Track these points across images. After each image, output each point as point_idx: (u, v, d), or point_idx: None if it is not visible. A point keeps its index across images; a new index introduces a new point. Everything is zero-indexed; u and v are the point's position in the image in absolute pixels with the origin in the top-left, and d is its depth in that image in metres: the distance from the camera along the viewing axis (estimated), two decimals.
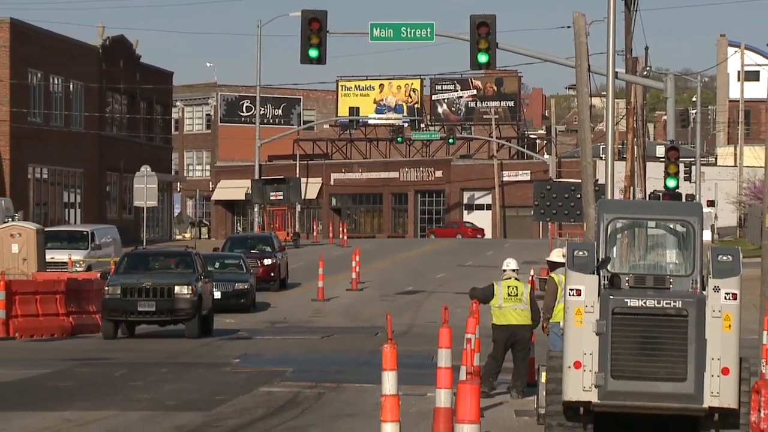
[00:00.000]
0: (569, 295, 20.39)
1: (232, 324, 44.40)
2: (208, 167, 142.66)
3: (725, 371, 19.95)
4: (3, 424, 22.80)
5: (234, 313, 46.91)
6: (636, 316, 20.12)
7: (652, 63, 73.08)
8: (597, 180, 44.45)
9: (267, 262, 57.86)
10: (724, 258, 20.44)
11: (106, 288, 39.34)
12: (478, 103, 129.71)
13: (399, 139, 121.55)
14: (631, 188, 60.91)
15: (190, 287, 38.99)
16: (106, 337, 38.62)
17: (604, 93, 45.34)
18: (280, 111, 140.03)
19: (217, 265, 50.55)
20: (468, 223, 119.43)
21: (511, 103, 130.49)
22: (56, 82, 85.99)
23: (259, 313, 49.50)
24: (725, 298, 20.03)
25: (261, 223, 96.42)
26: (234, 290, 48.47)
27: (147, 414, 24.30)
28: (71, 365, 33.08)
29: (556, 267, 25.66)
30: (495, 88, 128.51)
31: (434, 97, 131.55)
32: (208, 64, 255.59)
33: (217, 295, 45.63)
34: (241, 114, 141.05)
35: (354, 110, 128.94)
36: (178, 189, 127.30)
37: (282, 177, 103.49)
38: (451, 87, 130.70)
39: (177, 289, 38.88)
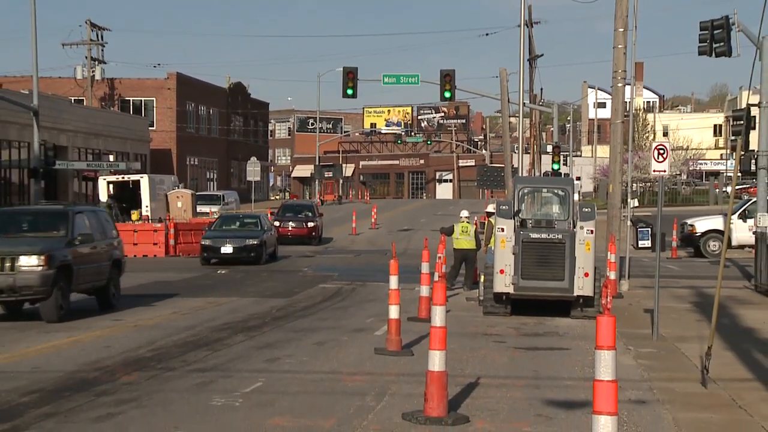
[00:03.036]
0: (498, 231, 20.44)
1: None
2: (289, 157, 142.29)
3: (586, 275, 19.98)
4: (174, 305, 22.87)
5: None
6: (535, 243, 20.14)
7: (545, 97, 72.57)
8: (513, 165, 44.25)
9: (311, 224, 46.41)
10: (586, 209, 20.48)
11: None
12: (445, 120, 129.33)
13: (399, 141, 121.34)
14: (533, 169, 60.74)
15: (42, 257, 18.59)
16: None
17: (518, 115, 45.11)
18: (330, 125, 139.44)
19: (237, 224, 37.49)
20: (296, 193, 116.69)
21: (463, 121, 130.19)
22: (202, 108, 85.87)
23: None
24: (587, 233, 20.04)
25: (320, 189, 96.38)
26: (244, 245, 34.80)
27: (254, 299, 24.34)
28: (211, 271, 33.15)
29: (491, 215, 25.67)
30: (455, 111, 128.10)
31: (419, 117, 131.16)
32: (289, 98, 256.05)
33: (230, 249, 34.66)
34: (308, 127, 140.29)
35: (373, 125, 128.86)
36: (272, 170, 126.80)
37: (332, 163, 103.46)
38: (429, 111, 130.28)
39: (23, 260, 18.51)
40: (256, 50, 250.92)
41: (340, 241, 49.03)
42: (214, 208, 58.21)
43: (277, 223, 44.06)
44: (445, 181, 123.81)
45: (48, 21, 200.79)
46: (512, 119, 70.53)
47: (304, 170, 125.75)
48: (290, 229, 45.49)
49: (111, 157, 63.21)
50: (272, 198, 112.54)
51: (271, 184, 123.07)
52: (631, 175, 33.22)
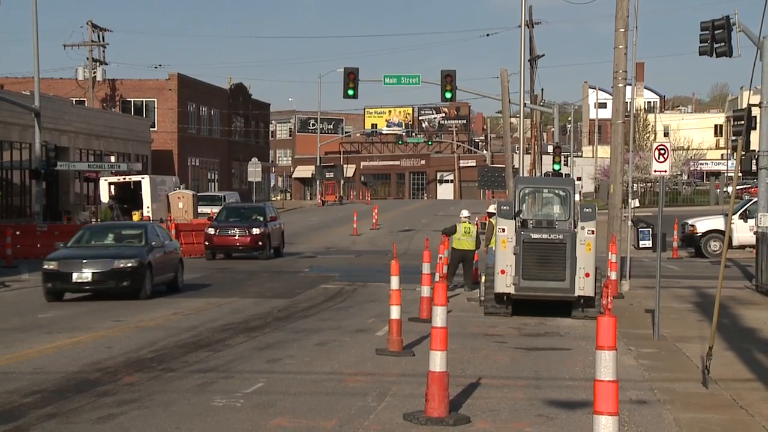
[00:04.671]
0: (499, 231, 20.42)
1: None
2: (290, 158, 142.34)
3: (587, 275, 19.97)
4: (175, 305, 22.86)
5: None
6: (536, 243, 20.12)
7: (546, 97, 72.65)
8: (514, 165, 44.24)
9: (255, 231, 37.04)
10: (587, 210, 20.46)
11: None
12: (445, 121, 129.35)
13: (400, 142, 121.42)
14: (534, 170, 60.73)
15: None
16: None
17: (518, 115, 45.12)
18: (331, 126, 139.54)
19: (110, 237, 25.08)
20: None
21: (464, 121, 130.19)
22: (203, 109, 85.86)
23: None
24: (587, 233, 20.02)
25: (321, 190, 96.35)
26: (111, 269, 22.90)
27: (255, 300, 24.34)
28: (212, 272, 33.11)
29: (492, 215, 25.67)
30: (455, 112, 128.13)
31: (420, 118, 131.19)
32: (290, 99, 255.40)
33: (87, 276, 22.80)
34: (309, 128, 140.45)
35: (374, 125, 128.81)
36: (273, 171, 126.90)
37: (333, 164, 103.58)
38: (430, 111, 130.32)
39: None
40: (257, 51, 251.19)
41: (341, 241, 49.02)
42: (215, 209, 58.27)
43: (212, 231, 37.43)
44: (446, 181, 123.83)
45: (49, 22, 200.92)
46: (513, 120, 70.66)
47: (305, 171, 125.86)
48: (229, 237, 37.30)
49: (112, 158, 63.24)
50: (273, 198, 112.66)
51: (272, 184, 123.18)
52: (632, 176, 33.22)
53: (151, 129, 75.57)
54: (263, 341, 17.17)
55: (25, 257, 36.56)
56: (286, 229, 42.58)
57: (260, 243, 37.39)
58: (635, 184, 51.31)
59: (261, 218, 38.35)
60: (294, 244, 45.59)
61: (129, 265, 23.32)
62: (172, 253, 26.05)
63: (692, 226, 39.85)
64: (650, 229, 39.44)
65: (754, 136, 29.88)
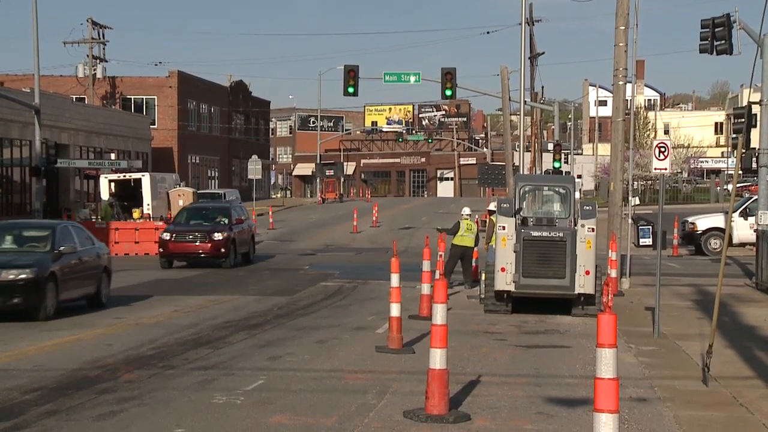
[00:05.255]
0: (499, 229, 20.43)
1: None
2: (290, 155, 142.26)
3: (587, 273, 19.97)
4: (175, 303, 22.86)
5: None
6: (537, 241, 20.12)
7: (546, 95, 72.48)
8: (514, 163, 44.22)
9: (217, 236, 32.08)
10: (587, 207, 20.46)
11: None
12: (446, 118, 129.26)
13: (400, 139, 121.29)
14: (534, 167, 60.71)
15: None
16: None
17: (519, 113, 45.08)
18: (331, 123, 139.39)
19: (9, 239, 19.67)
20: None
21: (464, 119, 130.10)
22: (203, 107, 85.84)
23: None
24: (587, 231, 20.02)
25: (321, 188, 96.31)
26: None
27: (256, 297, 24.34)
28: (213, 269, 33.10)
29: (492, 213, 25.67)
30: (456, 109, 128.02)
31: (420, 115, 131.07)
32: (290, 96, 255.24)
33: None
34: (309, 125, 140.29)
35: (374, 123, 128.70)
36: (273, 168, 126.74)
37: (333, 161, 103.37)
38: (430, 109, 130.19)
39: None
40: (257, 48, 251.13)
41: (341, 239, 48.98)
42: None
43: (167, 236, 32.35)
44: (446, 179, 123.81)
45: (50, 20, 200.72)
46: (513, 117, 70.66)
47: (305, 168, 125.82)
48: (187, 243, 32.40)
49: (112, 156, 63.19)
50: (273, 196, 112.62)
51: (272, 182, 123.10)
52: (632, 173, 33.22)
53: (152, 126, 75.55)
54: (263, 338, 17.16)
55: None
56: (286, 227, 42.49)
57: (223, 250, 32.48)
58: (635, 182, 51.28)
59: (225, 221, 33.65)
60: (294, 241, 45.61)
61: (22, 277, 18.30)
62: (92, 261, 20.76)
63: (692, 223, 39.82)
64: (650, 227, 39.39)
65: (755, 133, 29.89)
